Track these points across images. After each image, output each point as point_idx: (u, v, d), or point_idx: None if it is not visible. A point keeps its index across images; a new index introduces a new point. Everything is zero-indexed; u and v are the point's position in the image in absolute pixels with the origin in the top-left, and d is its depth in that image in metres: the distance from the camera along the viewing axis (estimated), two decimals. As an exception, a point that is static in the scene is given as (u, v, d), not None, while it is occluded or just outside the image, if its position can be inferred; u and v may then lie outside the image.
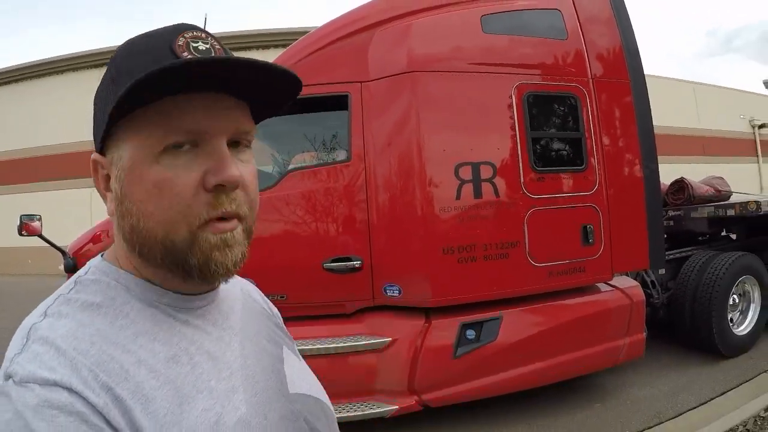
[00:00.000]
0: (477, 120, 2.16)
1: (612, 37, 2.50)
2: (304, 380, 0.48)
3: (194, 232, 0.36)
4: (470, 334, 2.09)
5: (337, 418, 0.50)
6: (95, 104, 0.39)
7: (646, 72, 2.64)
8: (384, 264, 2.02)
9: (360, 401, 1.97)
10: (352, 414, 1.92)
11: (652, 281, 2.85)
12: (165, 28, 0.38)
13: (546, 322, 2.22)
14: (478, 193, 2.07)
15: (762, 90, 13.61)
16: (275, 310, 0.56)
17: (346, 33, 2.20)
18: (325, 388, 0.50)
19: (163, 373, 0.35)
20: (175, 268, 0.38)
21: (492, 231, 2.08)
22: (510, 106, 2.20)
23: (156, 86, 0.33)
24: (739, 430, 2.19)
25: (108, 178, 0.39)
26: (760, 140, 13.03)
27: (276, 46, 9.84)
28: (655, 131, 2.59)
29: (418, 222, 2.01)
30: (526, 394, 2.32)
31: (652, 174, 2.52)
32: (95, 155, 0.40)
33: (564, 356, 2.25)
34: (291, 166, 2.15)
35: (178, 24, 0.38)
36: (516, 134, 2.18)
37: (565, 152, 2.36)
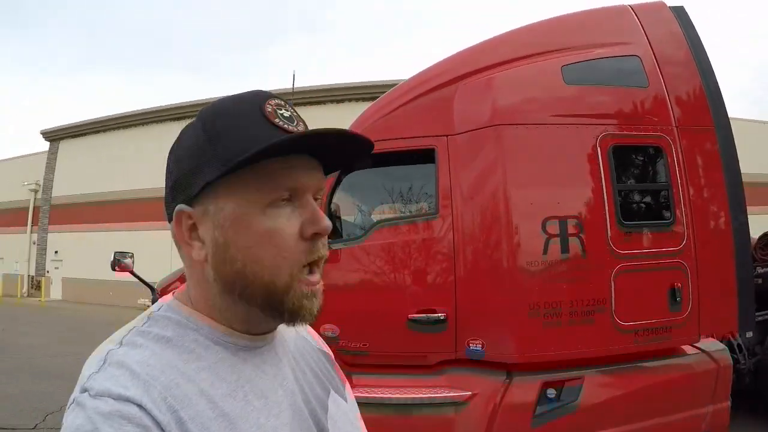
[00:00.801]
0: (562, 173, 2.14)
1: (693, 81, 2.41)
2: (348, 422, 0.50)
3: (294, 276, 0.41)
4: (551, 393, 2.03)
5: None
6: (178, 159, 0.42)
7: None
8: (468, 318, 2.02)
9: (439, 458, 1.95)
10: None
11: (738, 345, 2.65)
12: (247, 93, 0.43)
13: (629, 385, 2.12)
14: (565, 249, 2.04)
15: None
16: (326, 347, 0.58)
17: (430, 87, 2.26)
18: None
19: (219, 406, 0.38)
20: (269, 309, 0.41)
21: (578, 289, 2.04)
22: (595, 158, 2.17)
23: (269, 152, 0.38)
24: None
25: (193, 228, 0.42)
26: None
27: (363, 99, 10.29)
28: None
29: (504, 277, 2.00)
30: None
31: (742, 227, 2.38)
32: (183, 207, 0.41)
33: (646, 422, 2.13)
34: (378, 218, 2.20)
35: (256, 91, 0.42)
36: (602, 187, 2.14)
37: (651, 206, 2.29)
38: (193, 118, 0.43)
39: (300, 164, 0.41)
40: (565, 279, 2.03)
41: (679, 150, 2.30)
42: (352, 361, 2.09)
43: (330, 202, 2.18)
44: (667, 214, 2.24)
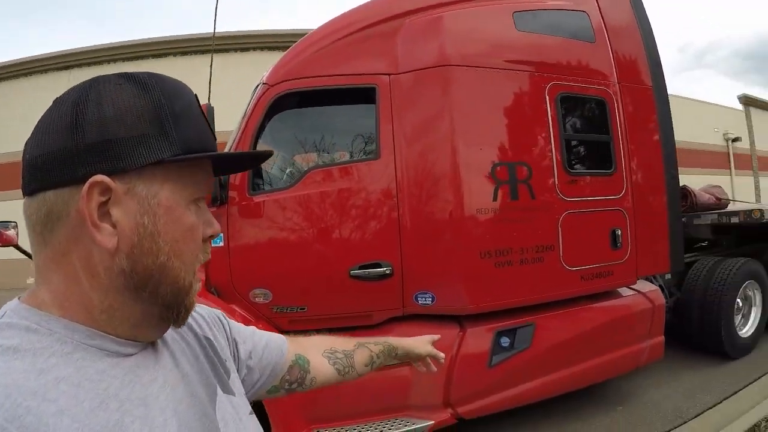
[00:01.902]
0: (511, 118, 2.07)
1: (635, 43, 2.50)
2: (238, 420, 0.47)
3: (194, 275, 0.40)
4: (504, 341, 1.99)
5: None
6: (106, 118, 0.35)
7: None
8: (416, 270, 1.88)
9: (393, 418, 1.82)
10: (386, 433, 1.77)
11: (660, 286, 2.87)
12: (177, 80, 0.41)
13: (578, 327, 2.16)
14: (514, 194, 1.98)
15: (735, 105, 14.03)
16: (213, 328, 0.52)
17: (373, 21, 2.05)
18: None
19: (87, 424, 0.33)
20: (173, 308, 0.39)
21: (528, 234, 1.99)
22: (544, 106, 2.13)
23: (221, 155, 0.42)
24: (762, 425, 2.21)
25: (102, 205, 0.35)
26: (734, 154, 13.31)
27: (271, 49, 9.51)
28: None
29: (454, 224, 1.88)
30: (550, 400, 2.25)
31: (674, 180, 2.54)
32: (103, 178, 0.35)
33: (595, 360, 2.22)
34: (309, 164, 1.96)
35: (179, 81, 0.41)
36: (550, 135, 2.11)
37: (595, 155, 2.32)
38: (116, 74, 0.38)
39: (210, 169, 0.42)
40: (515, 224, 1.97)
41: (620, 105, 2.35)
42: (291, 319, 1.88)
43: (254, 148, 1.91)
44: (608, 164, 2.29)
